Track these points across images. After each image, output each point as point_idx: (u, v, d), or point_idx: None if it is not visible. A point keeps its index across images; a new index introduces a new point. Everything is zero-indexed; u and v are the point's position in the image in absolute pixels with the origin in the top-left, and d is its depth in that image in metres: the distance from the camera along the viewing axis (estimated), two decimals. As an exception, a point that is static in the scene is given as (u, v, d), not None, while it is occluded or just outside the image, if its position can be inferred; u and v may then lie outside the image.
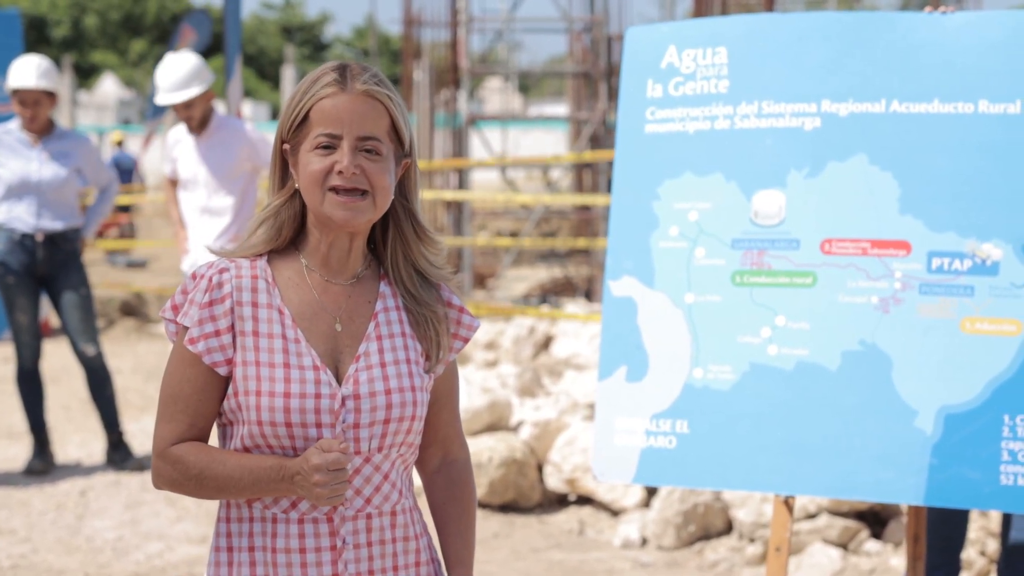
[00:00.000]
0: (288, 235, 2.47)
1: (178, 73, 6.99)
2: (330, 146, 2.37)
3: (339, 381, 2.40)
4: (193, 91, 6.97)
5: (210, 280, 2.40)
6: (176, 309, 2.42)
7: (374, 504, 2.43)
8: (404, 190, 2.49)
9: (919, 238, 3.87)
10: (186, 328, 2.40)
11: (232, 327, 2.39)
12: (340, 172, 2.35)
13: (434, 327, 2.50)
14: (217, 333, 2.38)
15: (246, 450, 2.40)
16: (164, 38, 57.24)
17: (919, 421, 3.80)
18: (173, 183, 7.37)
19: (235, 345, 2.39)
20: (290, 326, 2.40)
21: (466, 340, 2.58)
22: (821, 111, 4.00)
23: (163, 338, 12.27)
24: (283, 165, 2.46)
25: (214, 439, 2.49)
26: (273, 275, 2.44)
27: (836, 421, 3.87)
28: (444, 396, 2.58)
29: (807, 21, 4.12)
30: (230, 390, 2.39)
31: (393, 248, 2.50)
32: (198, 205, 7.16)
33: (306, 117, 2.39)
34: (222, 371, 2.39)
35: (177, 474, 2.41)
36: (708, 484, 4.10)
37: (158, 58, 53.57)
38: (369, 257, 2.52)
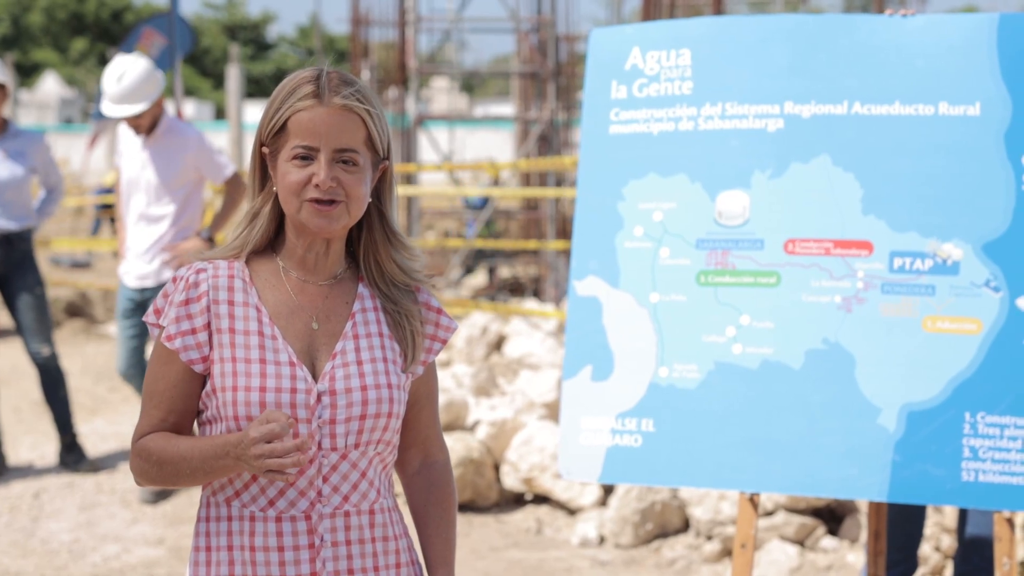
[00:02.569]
0: (267, 236, 2.50)
1: (125, 84, 6.66)
2: (307, 157, 2.40)
3: (315, 378, 2.43)
4: (140, 106, 6.68)
5: (187, 280, 2.44)
6: (159, 313, 2.45)
7: (352, 502, 2.45)
8: (379, 193, 2.52)
9: (881, 238, 3.92)
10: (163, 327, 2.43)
11: (208, 325, 2.42)
12: (317, 185, 2.38)
13: (410, 328, 2.52)
14: (193, 331, 2.41)
15: None
16: (105, 36, 56.76)
17: (882, 419, 3.85)
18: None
19: (211, 343, 2.41)
20: (267, 323, 2.44)
21: (444, 342, 2.61)
22: (784, 112, 4.04)
23: (112, 339, 12.18)
24: (262, 167, 2.48)
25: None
26: (251, 275, 2.48)
27: (801, 419, 3.92)
28: (424, 398, 2.61)
29: (770, 23, 4.16)
30: (207, 387, 2.41)
31: (367, 250, 2.54)
32: (137, 211, 6.91)
33: (284, 127, 2.42)
34: (198, 368, 2.42)
35: (143, 463, 2.43)
36: (674, 482, 4.13)
37: (100, 56, 53.18)
38: (348, 259, 2.55)
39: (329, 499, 2.43)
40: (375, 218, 2.52)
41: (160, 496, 6.89)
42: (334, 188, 2.38)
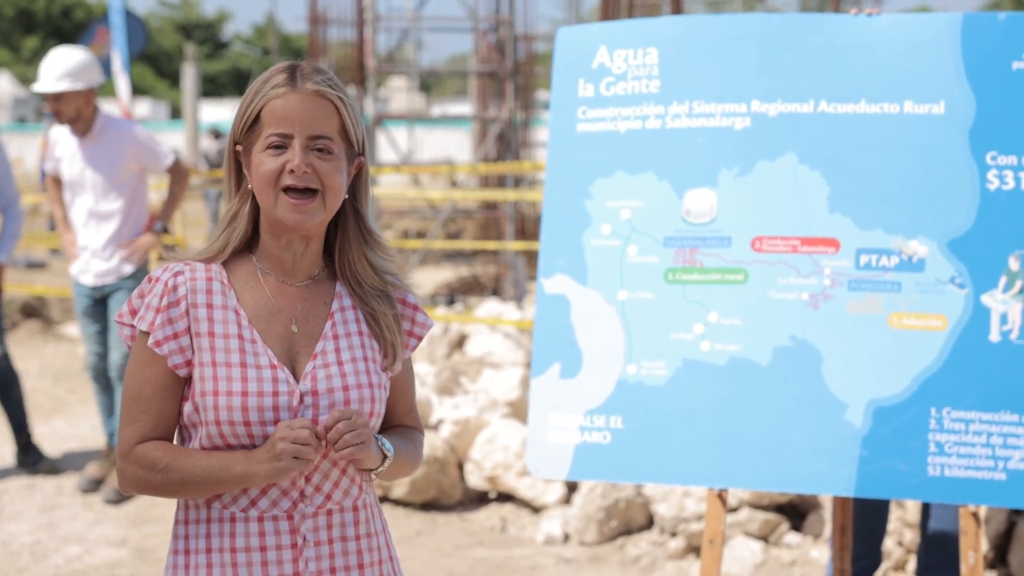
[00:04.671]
0: (245, 237, 2.47)
1: (57, 65, 6.73)
2: (281, 146, 2.38)
3: (297, 379, 2.41)
4: (62, 85, 6.68)
5: (165, 284, 2.42)
6: (134, 313, 2.43)
7: (334, 500, 2.44)
8: (354, 190, 2.51)
9: (847, 235, 3.95)
10: (144, 332, 2.41)
11: (189, 329, 2.40)
12: (292, 171, 2.36)
13: (387, 326, 2.52)
14: (175, 336, 2.40)
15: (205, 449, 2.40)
16: (56, 33, 56.27)
17: (849, 414, 3.88)
18: (56, 182, 7.06)
19: (192, 347, 2.39)
20: (246, 326, 2.42)
21: (420, 338, 2.61)
22: (751, 111, 4.07)
23: (70, 340, 12.10)
24: (237, 168, 2.47)
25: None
26: (228, 277, 2.45)
27: (768, 415, 3.95)
28: (401, 388, 2.61)
29: (737, 22, 4.18)
30: (188, 392, 2.39)
31: (342, 250, 2.52)
32: (85, 209, 6.88)
33: (257, 118, 2.41)
34: (182, 372, 2.40)
35: (143, 471, 2.40)
36: (643, 479, 4.14)
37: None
38: (325, 258, 2.53)
39: (312, 499, 2.42)
40: (350, 216, 2.51)
41: (125, 496, 6.87)
42: (309, 174, 2.37)
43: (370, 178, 2.55)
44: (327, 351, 2.45)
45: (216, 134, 23.01)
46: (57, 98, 6.73)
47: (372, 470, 2.48)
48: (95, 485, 7.03)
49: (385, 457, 2.48)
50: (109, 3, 10.50)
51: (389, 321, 2.52)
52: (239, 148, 2.45)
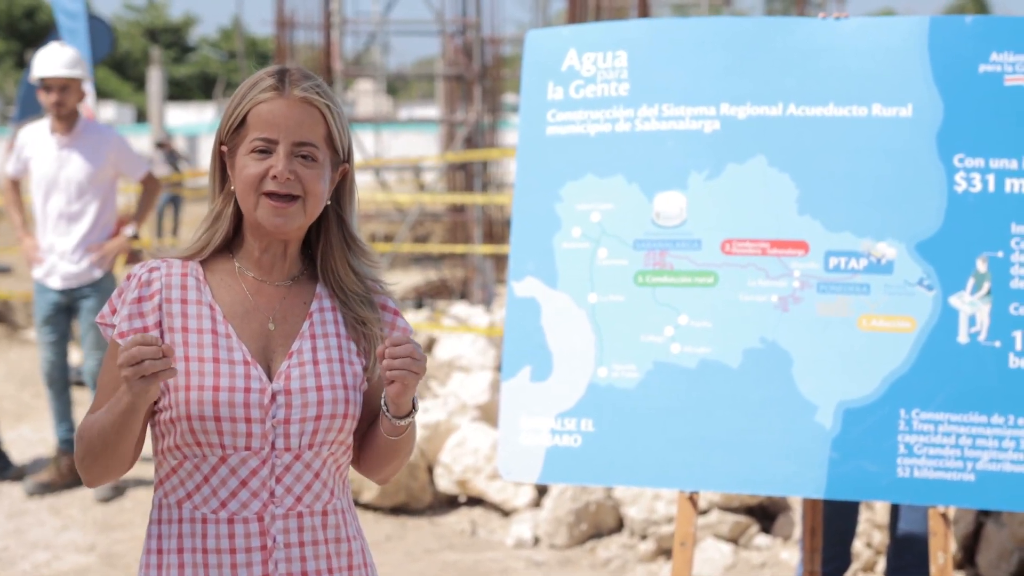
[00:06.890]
0: (226, 237, 2.48)
1: (60, 54, 6.80)
2: (266, 150, 2.39)
3: (271, 378, 2.41)
4: (76, 71, 6.75)
5: (140, 278, 2.44)
6: (114, 312, 2.45)
7: (305, 503, 2.43)
8: (339, 196, 2.52)
9: (816, 238, 3.96)
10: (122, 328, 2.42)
11: (160, 323, 2.41)
12: (274, 177, 2.37)
13: (368, 330, 2.51)
14: (144, 329, 2.40)
15: (177, 448, 2.40)
16: (18, 36, 55.88)
17: (819, 416, 3.90)
18: (15, 184, 7.05)
19: (163, 341, 2.38)
20: (221, 322, 2.43)
21: None
22: (720, 114, 4.08)
23: (35, 345, 12.01)
24: (222, 168, 2.48)
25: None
26: (205, 275, 2.47)
27: (739, 417, 3.95)
28: (378, 385, 2.58)
29: (706, 26, 4.20)
30: (160, 386, 2.38)
31: (324, 255, 2.52)
32: (56, 210, 6.85)
33: (243, 121, 2.42)
34: None
35: (79, 449, 2.40)
36: (613, 482, 4.15)
37: (17, 58, 52.31)
38: (307, 260, 2.54)
39: (282, 500, 2.41)
40: (333, 222, 2.51)
41: (117, 491, 6.96)
42: (291, 181, 2.38)
43: (355, 185, 2.55)
44: (303, 350, 2.45)
45: (162, 145, 22.40)
46: (64, 87, 6.76)
47: (401, 418, 2.42)
48: (43, 489, 7.00)
49: (413, 408, 2.44)
50: (53, 6, 10.42)
51: (371, 324, 2.51)
52: (224, 149, 2.46)
